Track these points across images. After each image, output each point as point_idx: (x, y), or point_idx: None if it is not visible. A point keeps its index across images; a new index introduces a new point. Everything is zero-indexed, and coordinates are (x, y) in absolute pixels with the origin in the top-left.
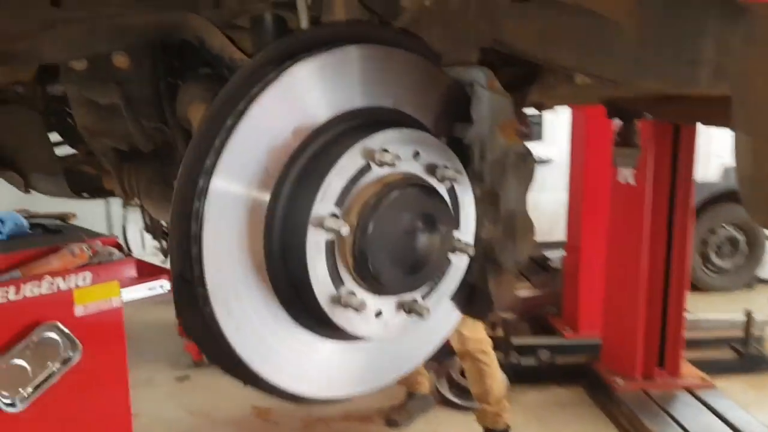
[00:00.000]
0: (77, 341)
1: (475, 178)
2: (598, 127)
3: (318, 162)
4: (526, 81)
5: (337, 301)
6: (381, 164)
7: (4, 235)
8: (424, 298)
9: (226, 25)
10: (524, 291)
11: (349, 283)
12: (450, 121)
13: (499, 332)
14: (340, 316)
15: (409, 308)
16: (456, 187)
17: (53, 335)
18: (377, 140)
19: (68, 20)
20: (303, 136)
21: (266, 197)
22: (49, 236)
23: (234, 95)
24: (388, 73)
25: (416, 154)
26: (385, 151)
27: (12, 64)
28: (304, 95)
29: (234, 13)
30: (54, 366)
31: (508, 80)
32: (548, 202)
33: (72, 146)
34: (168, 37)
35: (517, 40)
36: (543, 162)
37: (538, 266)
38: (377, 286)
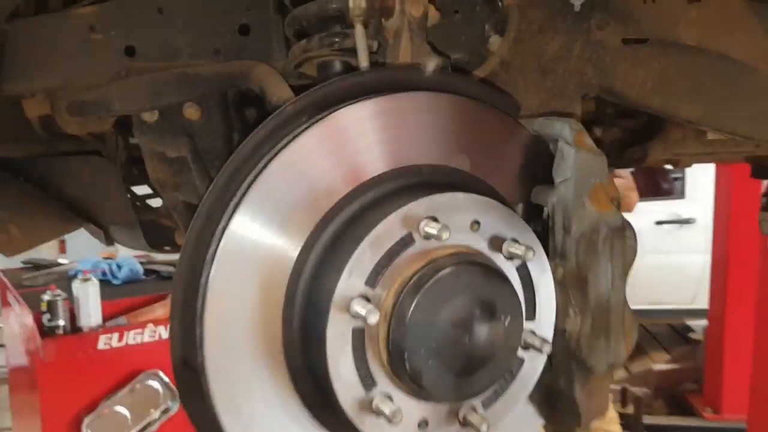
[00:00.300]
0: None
1: (557, 256)
2: (745, 185)
3: (351, 228)
4: (646, 134)
5: (366, 406)
6: (426, 236)
7: (119, 281)
8: (485, 406)
9: (297, 75)
10: (661, 364)
11: (384, 384)
12: (528, 185)
13: (629, 409)
14: (370, 426)
15: (465, 419)
16: (530, 266)
17: (154, 384)
18: (423, 206)
19: (140, 70)
20: (340, 194)
21: (288, 267)
22: (159, 283)
23: (259, 143)
24: (454, 126)
25: (475, 225)
26: (433, 219)
27: (84, 116)
28: (348, 144)
29: (299, 61)
30: (154, 414)
31: (623, 134)
32: (690, 266)
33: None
34: (235, 87)
35: (629, 87)
36: (685, 222)
37: (677, 336)
38: (420, 390)
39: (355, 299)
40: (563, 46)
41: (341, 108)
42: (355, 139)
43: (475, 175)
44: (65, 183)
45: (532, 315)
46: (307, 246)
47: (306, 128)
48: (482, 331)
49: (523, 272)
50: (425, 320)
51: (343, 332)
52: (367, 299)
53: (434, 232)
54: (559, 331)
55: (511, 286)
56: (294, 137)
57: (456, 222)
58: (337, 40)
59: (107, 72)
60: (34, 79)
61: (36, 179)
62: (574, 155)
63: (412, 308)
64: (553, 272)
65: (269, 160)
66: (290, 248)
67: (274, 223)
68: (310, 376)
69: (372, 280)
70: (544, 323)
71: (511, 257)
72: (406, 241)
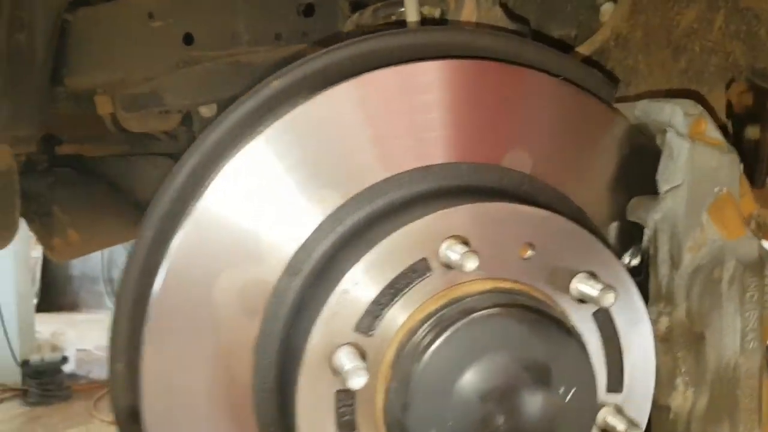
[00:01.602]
0: None
1: (660, 300)
2: None
3: (346, 247)
4: None
5: None
6: (447, 264)
7: None
8: None
9: None
10: None
11: None
12: (623, 195)
13: None
14: None
15: None
16: (614, 314)
17: None
18: (446, 220)
19: (198, 60)
20: (339, 200)
21: (264, 298)
22: None
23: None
24: (507, 109)
25: (528, 250)
26: (460, 240)
27: (137, 111)
28: (357, 131)
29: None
30: None
31: None
32: None
33: None
34: None
35: None
36: None
37: None
38: None
39: (340, 349)
40: (701, 17)
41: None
42: (362, 127)
43: (539, 180)
44: (135, 186)
45: (616, 385)
46: (290, 269)
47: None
48: (528, 408)
49: (604, 322)
50: (440, 388)
51: (320, 395)
52: (358, 351)
53: (456, 258)
54: (660, 409)
55: (578, 342)
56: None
57: (498, 245)
58: (390, 10)
59: (165, 63)
60: (96, 72)
61: (106, 181)
62: (688, 152)
63: (421, 369)
64: (654, 323)
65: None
66: (268, 271)
67: (247, 238)
68: None
69: (366, 324)
70: (635, 397)
71: (583, 300)
72: (418, 270)
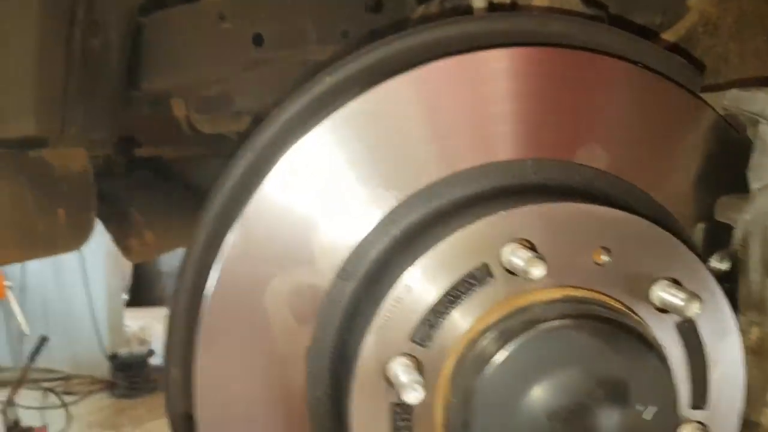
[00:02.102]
0: None
1: (751, 309)
2: None
3: (400, 250)
4: None
5: None
6: (511, 270)
7: None
8: None
9: None
10: None
11: None
12: (711, 193)
13: None
14: None
15: None
16: (700, 325)
17: None
18: (510, 221)
19: (267, 61)
20: (394, 199)
21: (316, 301)
22: None
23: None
24: (580, 99)
25: (603, 255)
26: (525, 244)
27: (208, 113)
28: (407, 129)
29: None
30: None
31: None
32: None
33: None
34: None
35: None
36: None
37: None
38: None
39: (394, 360)
40: None
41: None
42: (421, 121)
43: (616, 177)
44: (210, 187)
45: (701, 401)
46: (343, 273)
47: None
48: (602, 428)
49: (688, 334)
50: (504, 406)
51: (375, 408)
52: (414, 362)
53: (521, 264)
54: (749, 427)
55: (659, 356)
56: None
57: (568, 250)
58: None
59: (236, 64)
60: (169, 75)
61: (182, 182)
62: None
63: (483, 384)
64: (744, 334)
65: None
66: (320, 275)
67: (300, 239)
68: None
69: (422, 334)
70: (722, 414)
71: (665, 309)
72: (478, 276)
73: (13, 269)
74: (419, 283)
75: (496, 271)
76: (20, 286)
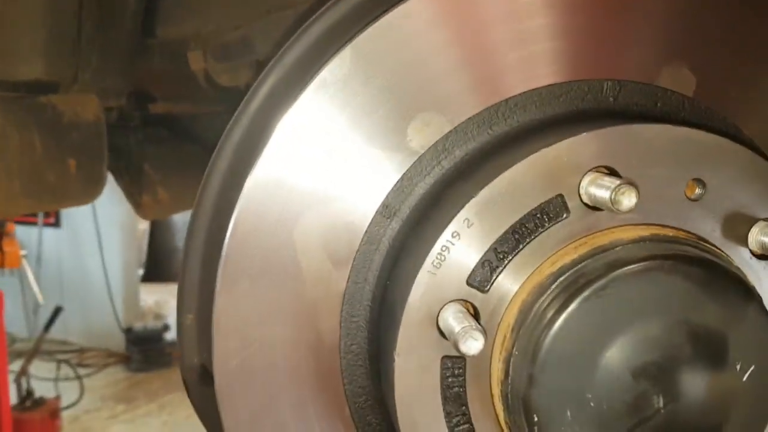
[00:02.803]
0: None
1: None
2: None
3: (457, 181)
4: None
5: None
6: (593, 202)
7: None
8: None
9: None
10: None
11: None
12: None
13: None
14: None
15: None
16: None
17: None
18: (588, 146)
19: (288, 4)
20: (447, 124)
21: (354, 241)
22: None
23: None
24: (662, 11)
25: (697, 188)
26: (607, 171)
27: (228, 61)
28: (463, 41)
29: None
30: None
31: None
32: None
33: None
34: None
35: None
36: None
37: None
38: None
39: (448, 307)
40: None
41: None
42: (481, 32)
43: (704, 106)
44: None
45: None
46: (385, 210)
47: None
48: (694, 389)
49: None
50: (579, 361)
51: (422, 362)
52: (471, 309)
53: (607, 195)
54: None
55: (761, 308)
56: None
57: (657, 182)
58: None
59: (256, 8)
60: (187, 21)
61: (199, 141)
62: None
63: (553, 336)
64: None
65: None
66: (358, 212)
67: (334, 171)
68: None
69: (481, 278)
70: None
71: (764, 254)
72: (551, 211)
73: (30, 239)
74: (479, 218)
75: (573, 203)
76: (36, 256)
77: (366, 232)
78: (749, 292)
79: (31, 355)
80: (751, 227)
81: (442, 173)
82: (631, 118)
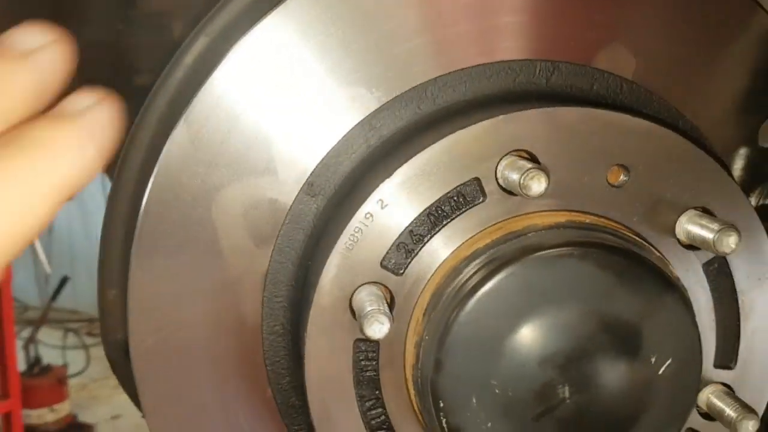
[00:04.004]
0: None
1: None
2: None
3: (377, 161)
4: None
5: None
6: (508, 187)
7: None
8: None
9: None
10: None
11: None
12: (754, 115)
13: None
14: None
15: None
16: (734, 266)
17: None
18: (506, 129)
19: None
20: (373, 103)
21: (276, 221)
22: None
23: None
24: None
25: (621, 174)
26: (525, 156)
27: None
28: (393, 15)
29: None
30: None
31: None
32: None
33: None
34: None
35: None
36: None
37: None
38: None
39: (361, 289)
40: None
41: None
42: (408, 7)
43: (644, 88)
44: None
45: (728, 359)
46: (310, 188)
47: None
48: (605, 380)
49: (719, 276)
50: (486, 346)
51: (335, 344)
52: (385, 292)
53: (518, 179)
54: None
55: (681, 299)
56: None
57: (578, 167)
58: None
59: None
60: None
61: None
62: None
63: (462, 319)
64: None
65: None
66: (282, 189)
67: (257, 143)
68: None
69: (396, 260)
70: (753, 376)
71: (693, 245)
72: (467, 194)
73: None
74: (395, 199)
75: (489, 187)
76: (47, 228)
77: (290, 210)
78: (668, 283)
79: (38, 322)
80: (679, 216)
81: (369, 152)
82: (564, 102)
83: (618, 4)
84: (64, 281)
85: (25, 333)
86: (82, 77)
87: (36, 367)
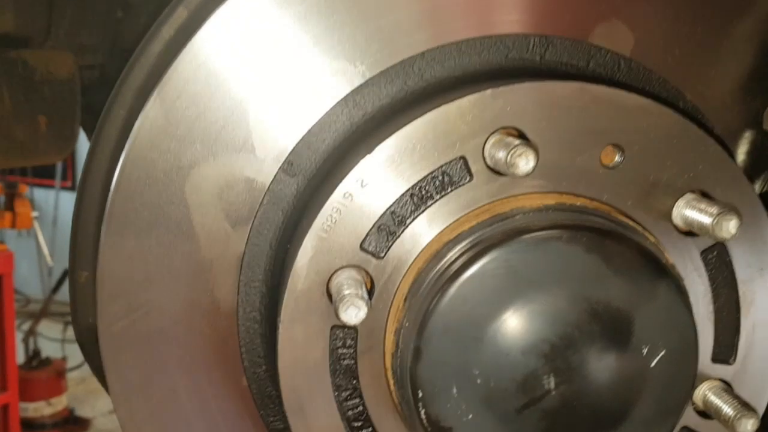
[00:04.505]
0: None
1: None
2: None
3: (362, 140)
4: None
5: None
6: (495, 166)
7: None
8: None
9: None
10: None
11: None
12: (758, 97)
13: None
14: None
15: None
16: (733, 253)
17: None
18: (494, 104)
19: None
20: (357, 78)
21: (255, 198)
22: None
23: None
24: None
25: (614, 154)
26: (514, 133)
27: None
28: None
29: None
30: None
31: None
32: None
33: None
34: None
35: None
36: None
37: None
38: None
39: (339, 273)
40: None
41: None
42: None
43: (642, 66)
44: None
45: (727, 353)
46: (289, 167)
47: None
48: (593, 371)
49: (717, 264)
50: (467, 333)
51: (310, 330)
52: (363, 276)
53: (505, 157)
54: None
55: (676, 287)
56: None
57: (569, 146)
58: None
59: None
60: None
61: None
62: None
63: (443, 305)
64: None
65: None
66: (259, 168)
67: (233, 120)
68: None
69: (376, 243)
70: (753, 371)
71: (691, 231)
72: (452, 173)
73: (47, 202)
74: (376, 178)
75: (476, 167)
76: (52, 218)
77: (268, 190)
78: (662, 270)
79: (38, 315)
80: (677, 200)
81: (352, 130)
82: (559, 79)
83: None
84: (66, 274)
85: (26, 326)
86: (81, 63)
87: (34, 359)
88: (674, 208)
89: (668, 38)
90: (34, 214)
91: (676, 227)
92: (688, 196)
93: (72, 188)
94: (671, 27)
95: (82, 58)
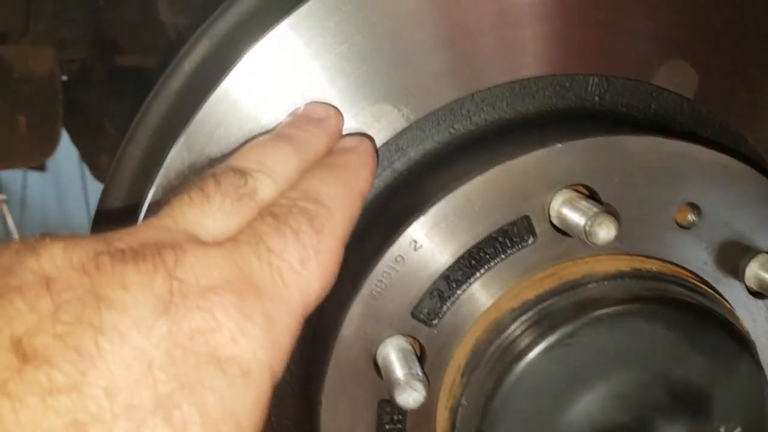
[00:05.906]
0: None
1: None
2: None
3: (406, 191)
4: None
5: None
6: (563, 227)
7: None
8: None
9: None
10: None
11: None
12: None
13: None
14: None
15: None
16: None
17: None
18: (561, 160)
19: None
20: (400, 122)
21: None
22: None
23: None
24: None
25: (690, 213)
26: (583, 192)
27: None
28: (420, 16)
29: None
30: None
31: None
32: None
33: None
34: None
35: None
36: None
37: None
38: None
39: (388, 342)
40: None
41: None
42: (442, 14)
43: (704, 110)
44: None
45: None
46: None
47: None
48: None
49: None
50: (538, 417)
51: (357, 406)
52: (415, 347)
53: (579, 220)
54: None
55: (752, 359)
56: None
57: (643, 204)
58: None
59: None
60: None
61: None
62: None
63: (510, 385)
64: None
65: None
66: None
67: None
68: None
69: (429, 309)
70: None
71: (763, 292)
72: (515, 234)
73: (14, 184)
74: (430, 240)
75: (541, 227)
76: (20, 201)
77: None
78: (742, 342)
79: None
80: (750, 260)
81: (393, 177)
82: (619, 123)
83: (680, 14)
84: None
85: None
86: (62, 57)
87: None
88: (747, 269)
89: (732, 80)
90: (2, 197)
91: (748, 288)
92: (763, 256)
93: (40, 168)
94: (739, 68)
95: (62, 53)
